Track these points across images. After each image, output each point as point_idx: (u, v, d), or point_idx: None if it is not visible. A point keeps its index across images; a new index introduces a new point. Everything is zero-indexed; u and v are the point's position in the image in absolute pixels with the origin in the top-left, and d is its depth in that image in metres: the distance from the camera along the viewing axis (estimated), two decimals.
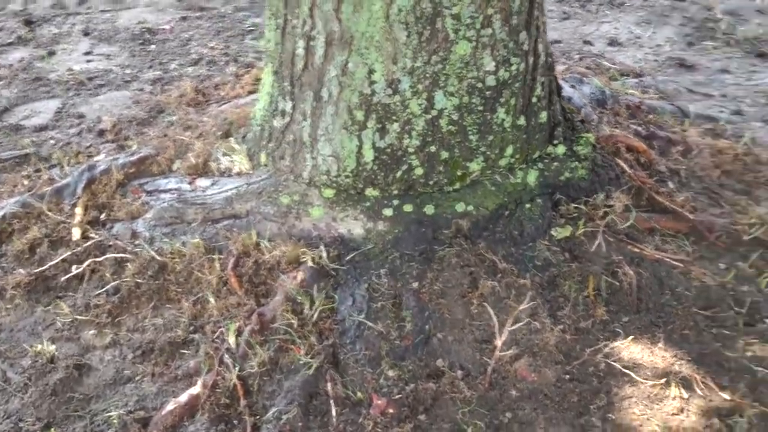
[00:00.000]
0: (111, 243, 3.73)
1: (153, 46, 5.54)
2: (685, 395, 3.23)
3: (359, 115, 3.43)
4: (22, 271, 3.66)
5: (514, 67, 3.52)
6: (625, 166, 4.06)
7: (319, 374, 3.24)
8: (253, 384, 3.21)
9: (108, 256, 3.68)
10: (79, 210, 3.88)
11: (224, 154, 4.00)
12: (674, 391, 3.25)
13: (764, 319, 3.57)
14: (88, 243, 3.72)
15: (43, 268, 3.68)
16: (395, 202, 3.60)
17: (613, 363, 3.35)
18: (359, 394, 3.19)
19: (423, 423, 3.12)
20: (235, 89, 4.84)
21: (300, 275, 3.47)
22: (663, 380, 3.28)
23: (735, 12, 6.84)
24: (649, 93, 5.29)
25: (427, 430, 3.11)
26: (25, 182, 4.13)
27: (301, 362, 3.25)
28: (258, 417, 3.12)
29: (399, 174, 3.55)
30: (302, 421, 3.08)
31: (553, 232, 3.71)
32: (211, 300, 3.47)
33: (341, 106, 3.43)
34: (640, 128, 4.52)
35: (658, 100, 5.14)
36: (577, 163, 3.87)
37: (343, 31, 3.28)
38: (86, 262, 3.66)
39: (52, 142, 4.48)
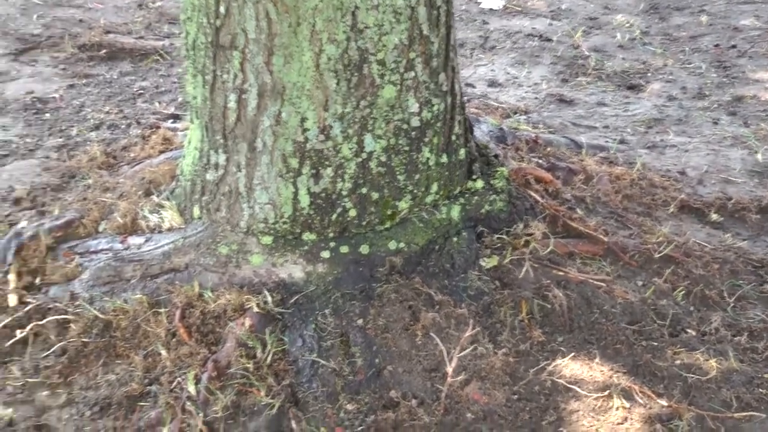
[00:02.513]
0: (51, 306, 3.75)
1: (48, 115, 5.54)
2: (627, 405, 3.44)
3: (294, 162, 3.55)
4: None
5: (435, 108, 3.70)
6: (537, 197, 4.27)
7: (282, 413, 3.34)
8: (219, 428, 3.29)
9: (50, 318, 3.69)
10: (12, 276, 3.88)
11: (151, 212, 4.06)
12: (616, 401, 3.45)
13: (686, 329, 3.81)
14: (28, 308, 3.73)
15: None
16: (332, 244, 3.72)
17: (556, 380, 3.53)
18: (322, 429, 3.30)
19: None
20: (145, 150, 4.90)
21: (248, 321, 3.56)
22: (605, 393, 3.48)
23: (600, 49, 7.19)
24: (539, 128, 5.55)
25: None
26: None
27: (262, 403, 3.34)
28: None
29: (334, 217, 3.68)
30: None
31: (481, 263, 3.88)
32: (163, 352, 3.52)
33: (276, 154, 3.54)
34: (541, 161, 4.76)
35: (548, 134, 5.39)
36: (495, 196, 4.06)
37: (275, 82, 3.40)
38: (28, 327, 3.66)
39: None
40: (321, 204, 3.66)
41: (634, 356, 3.69)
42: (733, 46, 7.20)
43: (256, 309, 3.62)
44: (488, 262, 3.92)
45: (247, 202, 3.70)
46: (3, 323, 3.70)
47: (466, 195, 4.03)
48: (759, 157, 5.35)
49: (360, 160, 3.62)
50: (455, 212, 3.95)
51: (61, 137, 5.33)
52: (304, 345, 3.54)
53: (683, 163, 5.29)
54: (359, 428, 3.32)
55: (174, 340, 3.60)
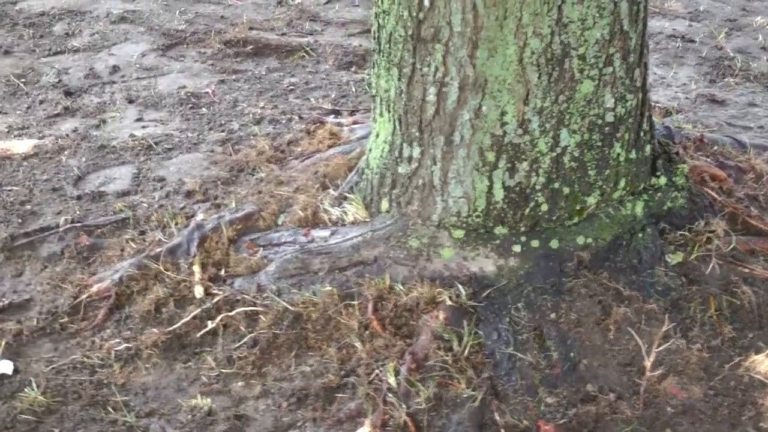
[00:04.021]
0: (239, 297, 3.78)
1: (204, 110, 5.62)
2: None
3: (490, 156, 3.56)
4: (155, 330, 3.69)
5: (629, 103, 3.69)
6: (714, 194, 4.24)
7: (484, 405, 3.34)
8: (423, 420, 3.30)
9: (239, 310, 3.73)
10: (197, 268, 3.93)
11: (332, 205, 4.09)
12: None
13: None
14: (216, 299, 3.77)
15: (176, 326, 3.71)
16: (522, 238, 3.72)
17: (753, 376, 3.50)
18: (525, 421, 3.30)
19: None
20: (313, 144, 4.93)
21: (441, 314, 3.57)
22: None
23: (743, 50, 7.11)
24: (698, 127, 5.51)
25: None
26: (133, 245, 4.15)
27: (464, 395, 3.35)
28: None
29: (527, 211, 3.68)
30: None
31: (667, 259, 3.86)
32: (358, 344, 3.54)
33: (473, 148, 3.55)
34: (708, 159, 4.71)
35: (709, 133, 5.34)
36: (676, 192, 4.04)
37: (477, 75, 3.41)
38: (218, 318, 3.71)
39: (145, 205, 4.53)
40: (514, 198, 3.67)
41: None
42: None
43: (448, 302, 3.63)
44: (673, 259, 3.90)
45: (441, 196, 3.71)
46: (192, 314, 3.75)
47: (650, 191, 4.01)
48: None
49: (555, 154, 3.62)
50: (639, 208, 3.94)
51: (222, 131, 5.39)
52: (500, 338, 3.55)
53: None
54: (561, 421, 3.32)
55: (367, 332, 3.62)
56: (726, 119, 5.89)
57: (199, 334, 3.72)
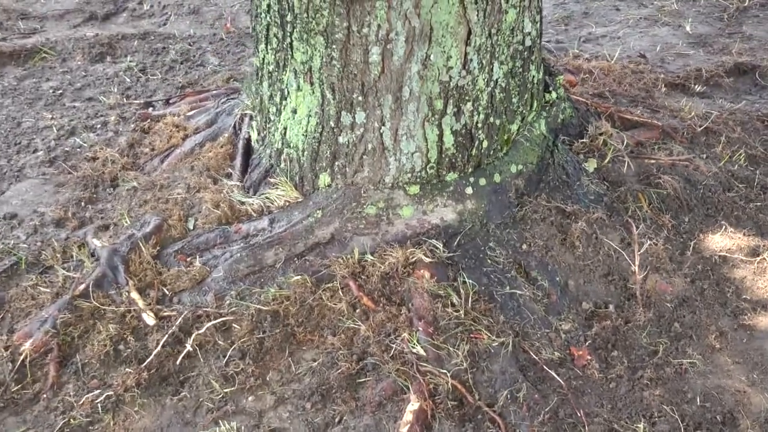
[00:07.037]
0: (199, 312, 3.53)
1: None
2: None
3: (439, 103, 3.52)
4: (129, 370, 3.37)
5: (538, 25, 3.77)
6: (584, 99, 4.42)
7: (515, 349, 3.34)
8: (467, 379, 3.25)
9: (208, 324, 3.48)
10: (135, 295, 3.62)
11: (246, 195, 3.90)
12: None
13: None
14: (178, 320, 3.50)
15: (149, 360, 3.41)
16: (471, 179, 3.73)
17: (717, 254, 3.73)
18: (557, 353, 3.34)
19: (620, 356, 3.34)
20: (163, 141, 4.58)
21: (426, 272, 3.52)
22: (757, 257, 3.71)
23: None
24: None
25: (631, 360, 3.34)
26: (44, 289, 3.73)
27: (495, 344, 3.33)
28: (493, 405, 3.17)
29: (473, 151, 3.68)
30: (536, 392, 3.19)
31: (585, 167, 3.99)
32: (359, 325, 3.42)
33: (422, 99, 3.49)
34: None
35: None
36: (563, 104, 4.17)
37: (423, 25, 3.35)
38: (191, 339, 3.44)
39: (23, 246, 4.04)
40: (461, 141, 3.66)
41: (752, 219, 3.96)
42: None
43: (426, 260, 3.57)
44: (589, 166, 4.04)
45: (394, 155, 3.62)
46: (161, 343, 3.44)
47: (546, 108, 4.12)
48: (688, 29, 5.70)
49: (489, 89, 3.63)
50: (543, 126, 4.04)
51: (35, 152, 4.85)
52: (491, 281, 3.55)
53: (631, 48, 5.56)
54: (587, 343, 3.38)
55: (358, 311, 3.49)
56: None
57: (177, 362, 3.42)
